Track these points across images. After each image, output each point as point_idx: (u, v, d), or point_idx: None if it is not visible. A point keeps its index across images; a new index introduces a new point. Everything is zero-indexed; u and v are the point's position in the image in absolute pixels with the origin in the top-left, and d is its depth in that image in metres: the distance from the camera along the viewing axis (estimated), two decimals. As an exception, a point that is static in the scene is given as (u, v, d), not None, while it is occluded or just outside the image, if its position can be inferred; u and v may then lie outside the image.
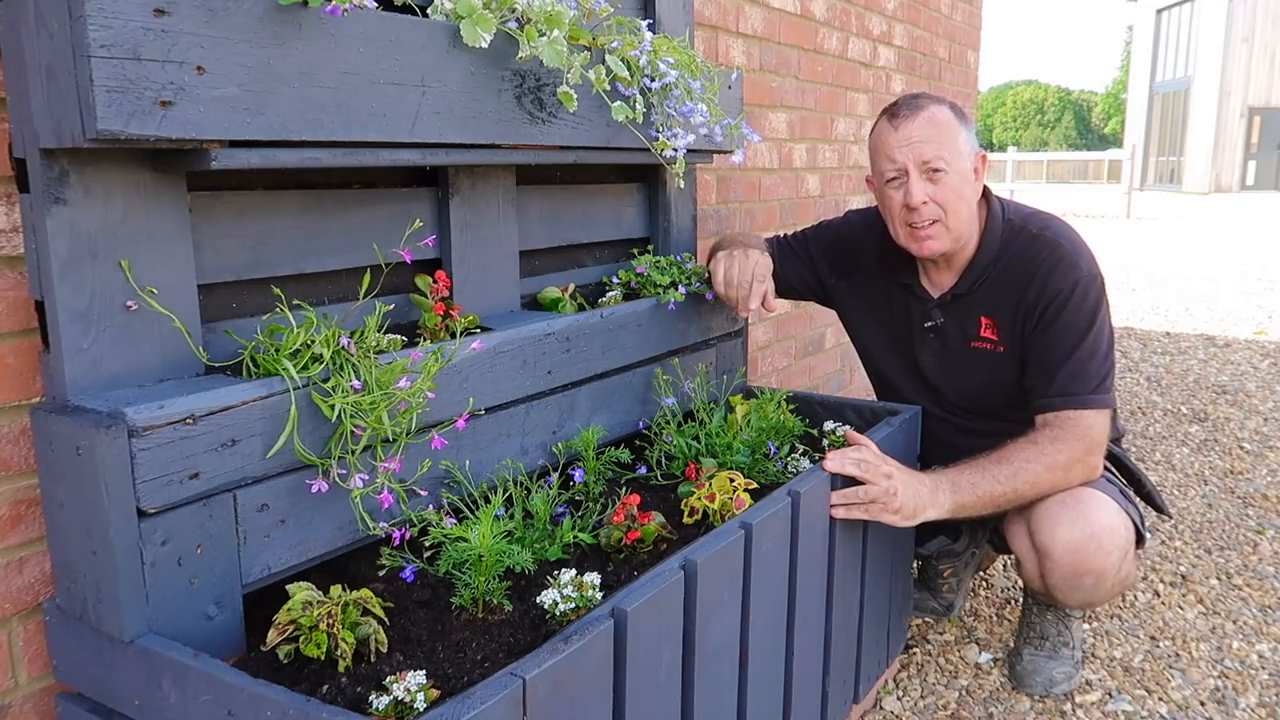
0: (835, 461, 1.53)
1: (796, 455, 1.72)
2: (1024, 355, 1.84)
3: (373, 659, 1.08)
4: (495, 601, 1.20)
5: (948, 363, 1.95)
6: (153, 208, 1.09)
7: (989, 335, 1.89)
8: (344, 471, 1.17)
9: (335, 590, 1.10)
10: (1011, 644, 2.13)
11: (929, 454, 1.95)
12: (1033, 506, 1.82)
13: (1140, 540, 1.87)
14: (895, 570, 1.87)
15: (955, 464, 1.72)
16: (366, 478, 1.18)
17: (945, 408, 1.99)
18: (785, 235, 2.15)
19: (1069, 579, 1.80)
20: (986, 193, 1.91)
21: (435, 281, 1.42)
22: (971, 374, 1.93)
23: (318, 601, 1.08)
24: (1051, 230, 1.85)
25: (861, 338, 2.12)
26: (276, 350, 1.14)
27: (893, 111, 1.80)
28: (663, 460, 1.69)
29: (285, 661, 1.07)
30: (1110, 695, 1.96)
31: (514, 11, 1.33)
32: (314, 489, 1.14)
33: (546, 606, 1.15)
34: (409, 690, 0.96)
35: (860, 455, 1.57)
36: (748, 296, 1.77)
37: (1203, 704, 1.93)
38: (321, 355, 1.15)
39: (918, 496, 1.61)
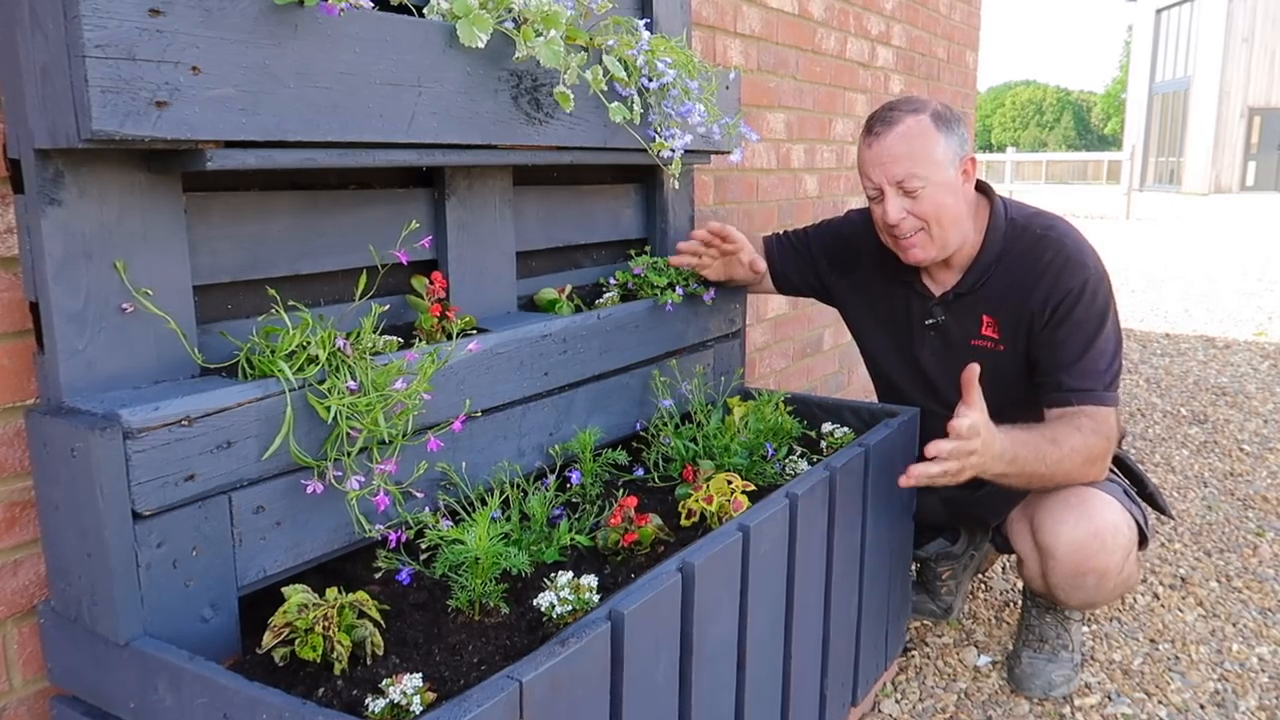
0: (935, 453, 1.49)
1: (794, 457, 1.72)
2: (1031, 355, 1.84)
3: (369, 662, 1.07)
4: (492, 604, 1.19)
5: (948, 361, 1.95)
6: (148, 208, 1.09)
7: (990, 334, 1.89)
8: (340, 473, 1.17)
9: (331, 593, 1.10)
10: (1010, 646, 2.13)
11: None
12: (1036, 506, 1.82)
13: (1144, 541, 1.87)
14: (893, 572, 1.87)
15: (1018, 430, 1.66)
16: (362, 480, 1.18)
17: (946, 405, 1.98)
18: (786, 232, 2.14)
19: (1071, 578, 1.80)
20: (989, 191, 1.90)
21: (432, 282, 1.42)
22: None
23: (314, 604, 1.08)
24: (1056, 230, 1.85)
25: (863, 335, 2.11)
26: (272, 351, 1.14)
27: (869, 127, 1.77)
28: (660, 462, 1.69)
29: (281, 664, 1.07)
30: (1110, 698, 1.96)
31: (510, 11, 1.33)
32: (310, 491, 1.14)
33: (543, 609, 1.14)
34: (405, 693, 0.96)
35: (955, 458, 1.51)
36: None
37: (1202, 707, 1.92)
38: (317, 356, 1.15)
39: (979, 468, 1.56)
